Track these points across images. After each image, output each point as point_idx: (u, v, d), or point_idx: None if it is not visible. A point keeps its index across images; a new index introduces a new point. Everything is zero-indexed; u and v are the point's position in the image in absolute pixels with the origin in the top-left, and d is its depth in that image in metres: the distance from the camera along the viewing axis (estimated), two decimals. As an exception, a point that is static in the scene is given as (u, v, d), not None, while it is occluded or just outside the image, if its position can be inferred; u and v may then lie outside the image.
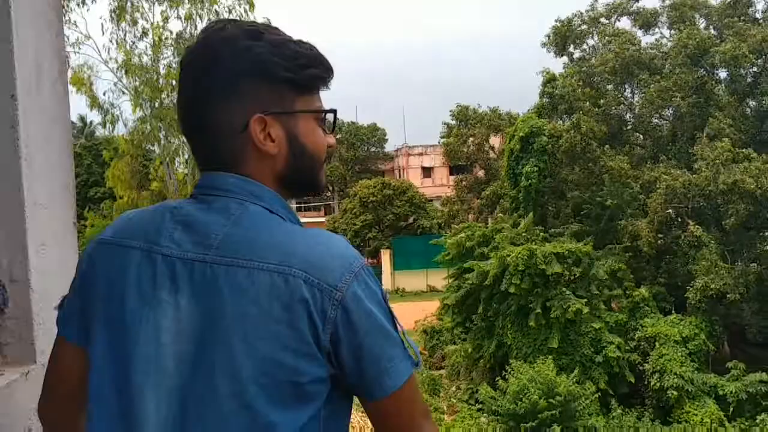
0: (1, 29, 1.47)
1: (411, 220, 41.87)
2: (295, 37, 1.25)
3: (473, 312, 22.85)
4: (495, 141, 33.32)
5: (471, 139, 32.92)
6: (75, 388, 1.24)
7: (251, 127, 1.20)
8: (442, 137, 34.56)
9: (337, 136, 50.00)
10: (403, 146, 50.55)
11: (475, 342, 22.79)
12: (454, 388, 23.48)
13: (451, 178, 40.27)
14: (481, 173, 34.10)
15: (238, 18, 25.18)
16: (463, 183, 34.21)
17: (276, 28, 1.26)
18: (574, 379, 19.25)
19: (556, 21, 28.37)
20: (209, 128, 1.22)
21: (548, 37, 28.51)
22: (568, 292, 20.92)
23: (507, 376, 19.70)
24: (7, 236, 1.53)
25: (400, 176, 48.85)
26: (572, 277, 21.61)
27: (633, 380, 20.73)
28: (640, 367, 20.98)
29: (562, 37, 28.29)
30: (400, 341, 1.17)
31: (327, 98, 1.29)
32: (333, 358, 1.13)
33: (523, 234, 23.29)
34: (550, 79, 26.98)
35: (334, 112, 1.30)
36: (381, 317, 1.15)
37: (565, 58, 29.04)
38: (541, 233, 23.69)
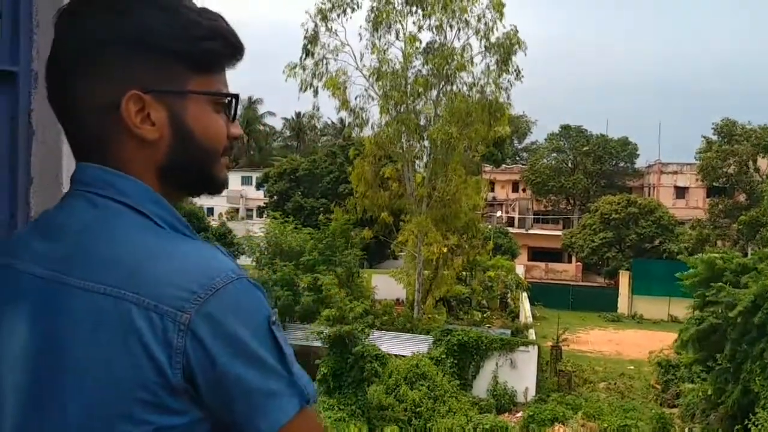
0: (24, 6, 1.41)
1: (656, 242, 39.02)
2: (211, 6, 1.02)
3: (717, 350, 20.57)
4: (762, 163, 29.84)
5: (734, 157, 29.88)
6: None
7: (123, 106, 0.98)
8: (698, 152, 31.79)
9: (584, 148, 48.07)
10: (655, 162, 47.31)
11: (716, 384, 20.52)
12: (686, 431, 21.47)
13: (708, 201, 36.78)
14: (741, 198, 30.75)
15: (486, 24, 25.32)
16: (719, 207, 31.09)
17: None
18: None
19: None
20: (74, 106, 1.01)
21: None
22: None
23: (750, 428, 17.46)
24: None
25: (649, 194, 45.86)
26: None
27: None
28: None
29: None
30: (285, 373, 0.94)
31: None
32: (196, 397, 0.92)
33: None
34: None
35: (235, 96, 1.05)
36: (253, 342, 0.92)
37: None
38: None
